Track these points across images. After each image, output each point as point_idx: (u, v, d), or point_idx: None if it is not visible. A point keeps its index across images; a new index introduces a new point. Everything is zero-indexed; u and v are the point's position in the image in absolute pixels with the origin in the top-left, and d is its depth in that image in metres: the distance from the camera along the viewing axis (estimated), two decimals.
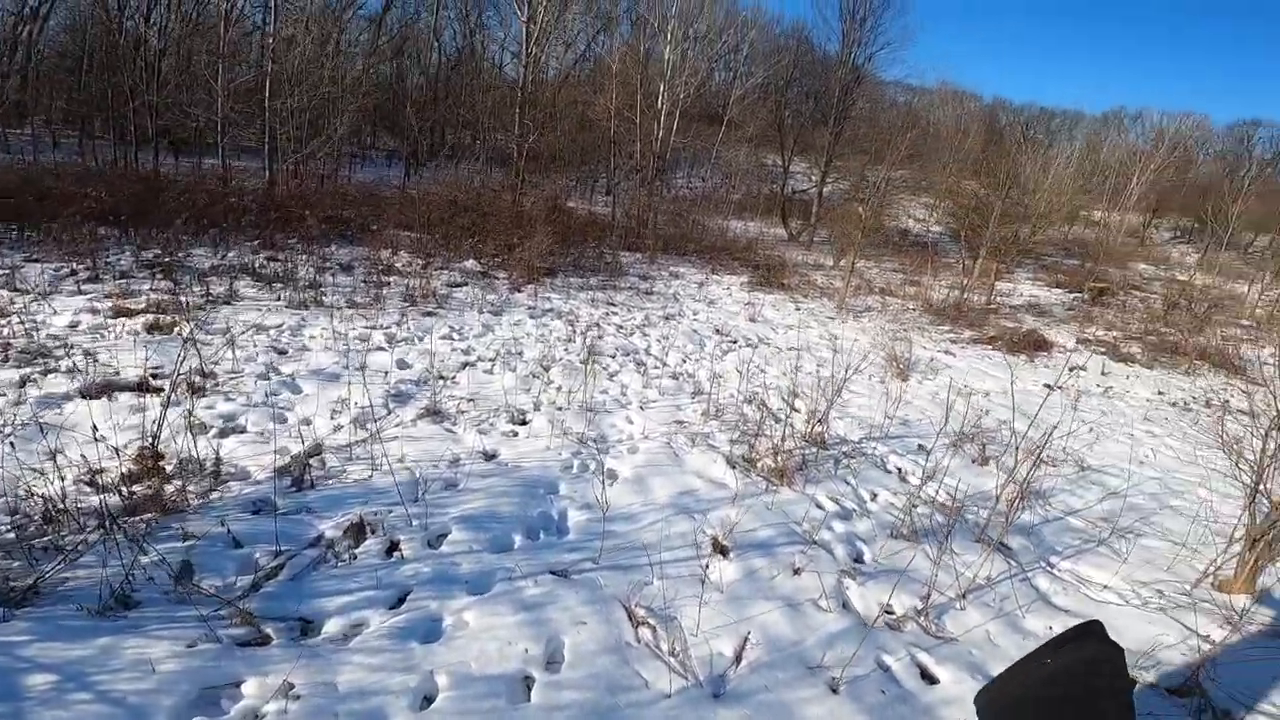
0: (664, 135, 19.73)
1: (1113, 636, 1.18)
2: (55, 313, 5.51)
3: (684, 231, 15.75)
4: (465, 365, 5.67)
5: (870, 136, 23.75)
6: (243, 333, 5.58)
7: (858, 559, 3.64)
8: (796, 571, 3.40)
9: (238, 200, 10.28)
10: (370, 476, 3.69)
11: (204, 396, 4.37)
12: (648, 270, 11.73)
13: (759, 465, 4.44)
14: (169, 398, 3.69)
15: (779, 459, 4.41)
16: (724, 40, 22.67)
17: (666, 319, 8.52)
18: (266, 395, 4.50)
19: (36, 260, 6.86)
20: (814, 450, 4.81)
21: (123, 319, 5.61)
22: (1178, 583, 3.69)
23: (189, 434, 3.72)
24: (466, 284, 8.48)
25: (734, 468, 4.38)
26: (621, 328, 7.75)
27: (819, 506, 4.10)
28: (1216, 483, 5.24)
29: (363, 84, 18.46)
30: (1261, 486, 3.38)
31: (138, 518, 3.14)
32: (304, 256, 8.57)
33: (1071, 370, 9.43)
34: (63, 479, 3.21)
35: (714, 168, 24.11)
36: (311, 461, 3.80)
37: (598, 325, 7.60)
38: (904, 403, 6.43)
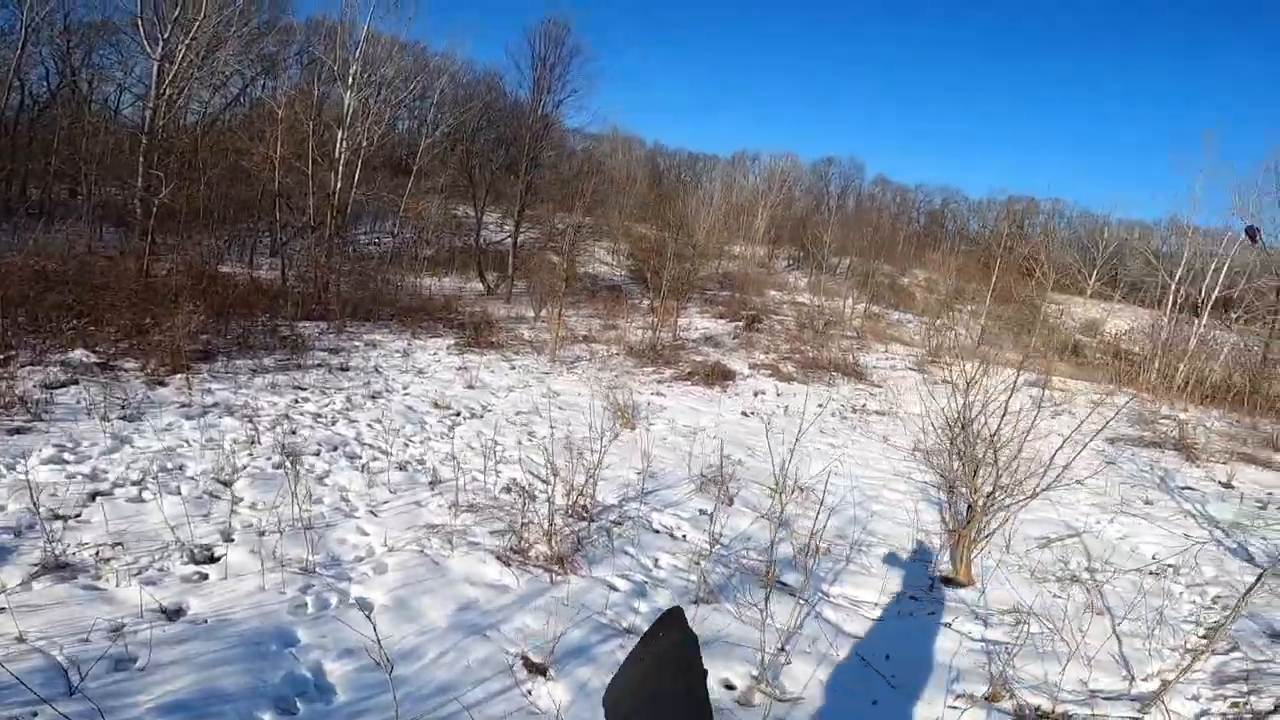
0: (342, 187, 17.94)
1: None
2: None
3: (374, 293, 14.32)
4: (95, 495, 3.97)
5: (556, 183, 25.05)
6: None
7: None
8: None
9: None
10: None
11: None
12: (337, 342, 10.23)
13: (533, 555, 3.93)
14: None
15: (554, 544, 3.96)
16: (412, 87, 21.75)
17: (373, 398, 7.40)
18: None
19: None
20: (583, 525, 4.47)
21: None
22: (922, 585, 4.24)
23: None
24: (75, 382, 6.20)
25: (508, 565, 3.79)
26: (320, 416, 6.44)
27: (613, 588, 3.76)
28: (899, 484, 6.34)
29: None
30: (960, 489, 4.07)
31: None
32: None
33: (756, 395, 10.87)
34: None
35: (401, 222, 22.80)
36: None
37: (287, 418, 6.18)
38: (641, 453, 6.52)
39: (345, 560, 3.66)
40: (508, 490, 5.07)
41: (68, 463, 4.43)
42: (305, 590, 3.28)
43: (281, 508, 4.13)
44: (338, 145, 17.81)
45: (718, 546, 4.42)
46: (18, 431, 4.87)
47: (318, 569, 3.49)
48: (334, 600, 3.24)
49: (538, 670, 2.98)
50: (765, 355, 14.95)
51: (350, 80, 17.77)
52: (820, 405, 10.66)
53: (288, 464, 4.78)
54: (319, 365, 8.45)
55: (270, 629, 2.92)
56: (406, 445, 5.96)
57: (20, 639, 2.61)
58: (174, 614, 2.94)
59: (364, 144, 18.49)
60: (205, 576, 3.29)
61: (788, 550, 4.51)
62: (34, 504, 3.58)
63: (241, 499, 4.25)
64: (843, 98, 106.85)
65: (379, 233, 22.34)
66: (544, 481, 5.40)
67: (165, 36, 14.76)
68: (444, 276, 21.03)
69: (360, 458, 5.43)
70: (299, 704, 2.53)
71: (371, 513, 4.34)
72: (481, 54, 73.41)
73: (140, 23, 14.54)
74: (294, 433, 5.79)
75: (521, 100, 26.74)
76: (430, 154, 23.25)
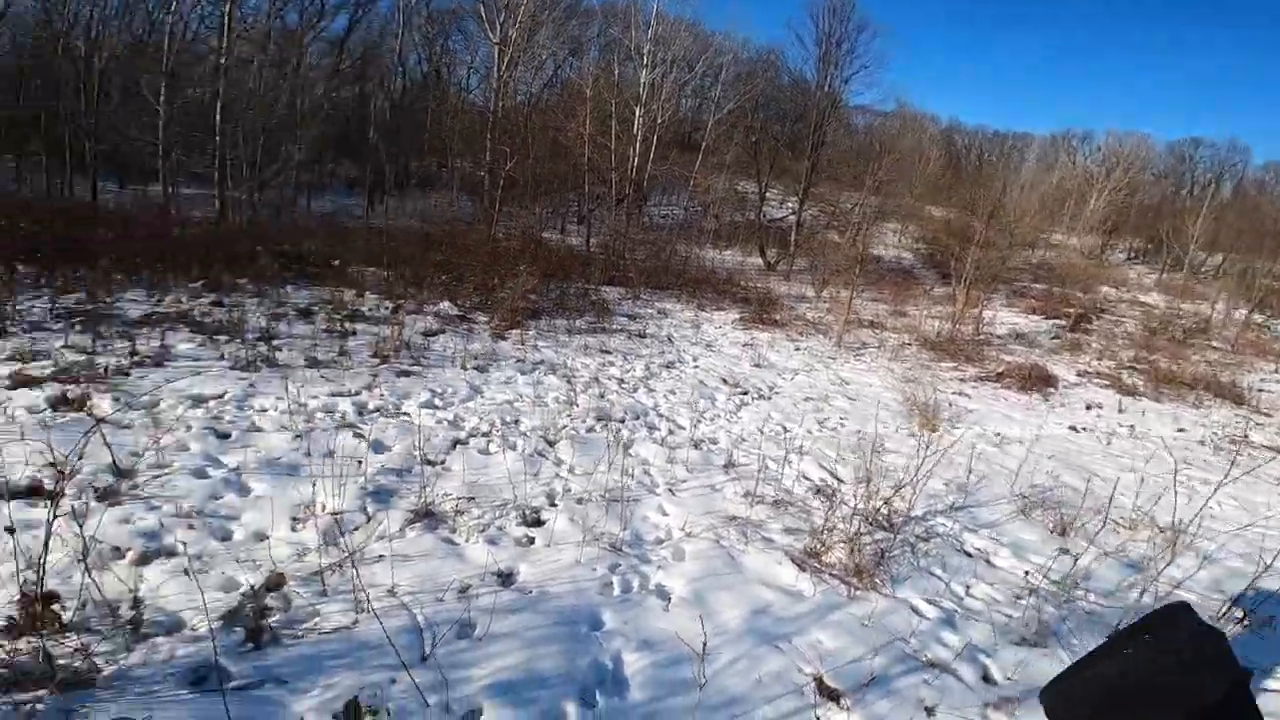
0: (639, 163, 19.19)
1: None
2: None
3: (664, 264, 15.10)
4: (456, 443, 4.74)
5: (842, 162, 23.72)
6: (173, 408, 4.56)
7: (986, 678, 2.97)
8: (930, 711, 2.67)
9: (180, 233, 9.19)
10: (354, 623, 2.77)
11: (118, 505, 3.36)
12: (634, 308, 10.98)
13: (830, 562, 3.66)
14: (53, 512, 2.63)
15: (854, 553, 3.64)
16: (699, 66, 22.41)
17: (668, 367, 7.75)
18: (204, 501, 3.52)
19: None
20: (886, 536, 4.06)
21: (23, 389, 4.54)
22: None
23: (90, 563, 2.72)
24: (443, 331, 7.55)
25: (804, 569, 3.59)
26: (623, 382, 6.93)
27: (917, 613, 3.35)
28: None
29: (324, 108, 17.51)
30: None
31: (17, 697, 2.17)
32: (255, 301, 7.54)
33: (1089, 409, 8.99)
34: None
35: (688, 196, 23.67)
36: (271, 602, 2.86)
37: (597, 380, 6.77)
38: (945, 460, 5.76)
39: (647, 540, 3.78)
40: (803, 485, 4.83)
41: (438, 408, 5.35)
42: (613, 570, 3.43)
43: (594, 474, 4.45)
44: (636, 122, 18.96)
45: (1045, 581, 3.68)
46: (404, 374, 6.04)
47: (624, 547, 3.66)
48: (635, 584, 3.34)
49: (832, 696, 2.73)
50: (1099, 361, 12.35)
51: (644, 59, 18.71)
52: (1181, 429, 8.43)
53: (602, 429, 5.18)
54: (620, 331, 9.14)
55: (584, 608, 3.07)
56: (698, 420, 6.08)
57: (391, 591, 2.94)
58: (507, 579, 3.22)
59: (658, 120, 19.43)
60: (532, 541, 3.60)
61: (1147, 601, 3.55)
62: (415, 447, 4.37)
63: (563, 461, 4.70)
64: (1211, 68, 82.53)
65: (670, 205, 23.53)
66: (838, 479, 5.05)
67: (501, 21, 16.96)
68: (724, 250, 21.40)
69: (658, 429, 5.68)
70: (598, 695, 2.58)
71: (670, 491, 4.47)
72: (760, 33, 72.02)
73: (482, 8, 16.96)
74: (603, 396, 6.30)
75: (803, 77, 25.57)
76: (716, 131, 23.58)
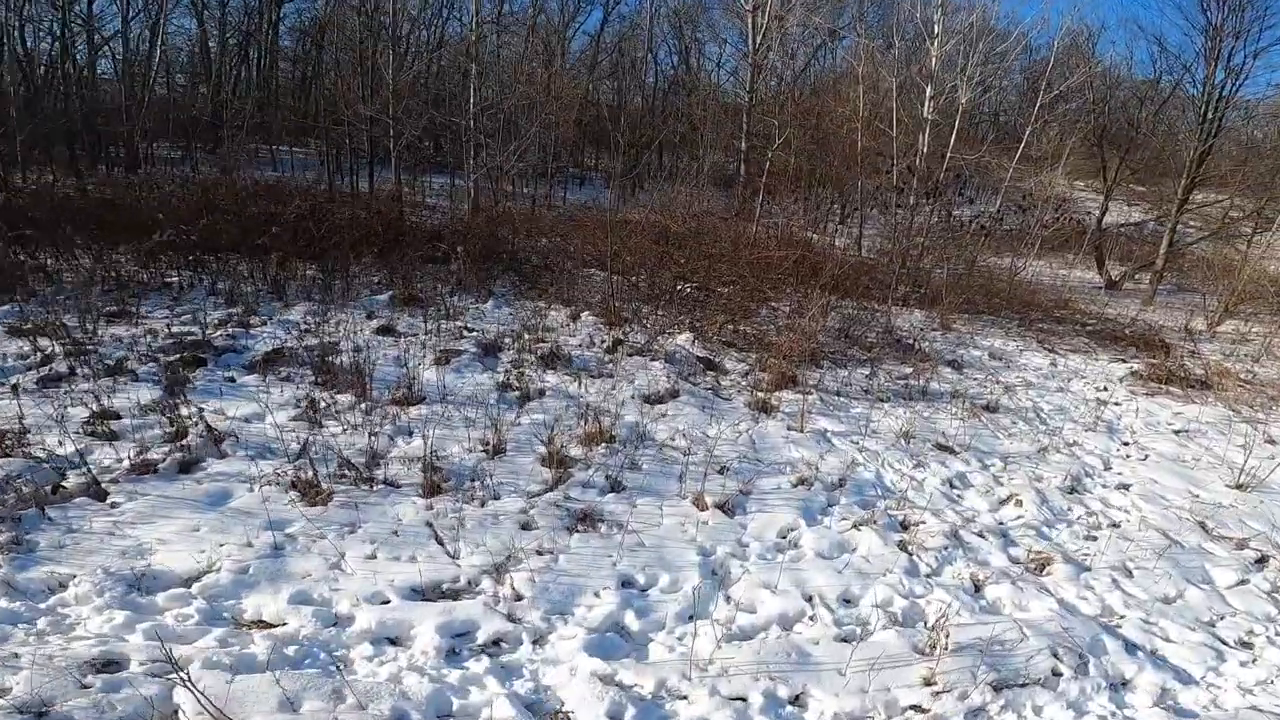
0: (930, 151, 14.99)
1: None
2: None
3: (971, 278, 10.98)
4: None
5: (1242, 157, 16.80)
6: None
7: None
8: None
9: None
10: None
11: None
12: (950, 347, 7.33)
13: None
14: None
15: None
16: (1012, 41, 17.31)
17: (1071, 492, 4.15)
18: None
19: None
20: None
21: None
22: None
23: None
24: (676, 394, 4.84)
25: None
26: (1005, 535, 3.55)
27: None
28: None
29: (581, 98, 16.70)
30: None
31: None
32: (432, 322, 5.62)
33: None
34: None
35: (995, 194, 18.55)
36: None
37: (957, 537, 3.49)
38: None
39: None
40: None
41: (620, 665, 2.66)
42: None
43: None
44: (925, 105, 14.71)
45: None
46: (583, 521, 3.33)
47: None
48: None
49: None
50: None
51: (935, 32, 14.29)
52: None
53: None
54: (945, 394, 5.67)
55: None
56: (1219, 661, 2.56)
57: None
58: None
59: (958, 105, 14.90)
60: None
61: None
62: None
63: None
64: None
65: (963, 203, 18.61)
66: None
67: (750, 7, 14.64)
68: (1030, 258, 16.05)
69: (1135, 692, 2.30)
70: None
71: None
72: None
73: None
74: (979, 589, 3.05)
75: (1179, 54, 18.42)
76: (1040, 119, 17.90)
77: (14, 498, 2.82)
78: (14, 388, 3.72)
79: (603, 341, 5.62)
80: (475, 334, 5.40)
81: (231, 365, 4.33)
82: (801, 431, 4.43)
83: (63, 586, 2.51)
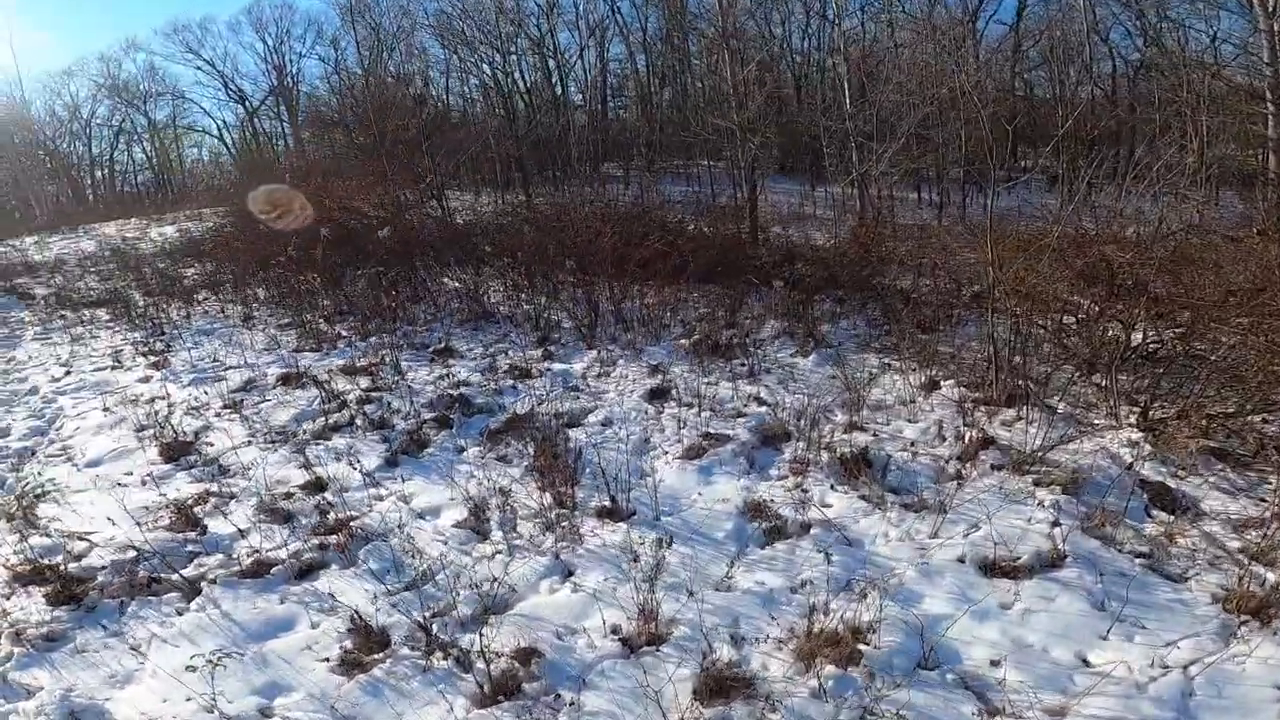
0: None
1: None
2: None
3: None
4: None
5: None
6: None
7: None
8: None
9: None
10: None
11: None
12: None
13: None
14: None
15: None
16: None
17: None
18: None
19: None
20: None
21: None
22: None
23: None
24: (1066, 556, 2.59)
25: None
26: None
27: None
28: None
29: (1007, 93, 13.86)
30: None
31: None
32: (731, 368, 4.45)
33: None
34: None
35: None
36: None
37: None
38: None
39: None
40: None
41: None
42: None
43: None
44: None
45: None
46: None
47: None
48: None
49: None
50: None
51: None
52: None
53: None
54: None
55: None
56: None
57: None
58: None
59: None
60: None
61: None
62: None
63: None
64: None
65: None
66: None
67: None
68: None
69: None
70: None
71: None
72: None
73: None
74: None
75: None
76: None
77: (118, 583, 2.66)
78: (278, 439, 3.89)
79: (959, 436, 3.58)
80: (765, 410, 4.01)
81: (472, 431, 3.94)
82: None
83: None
